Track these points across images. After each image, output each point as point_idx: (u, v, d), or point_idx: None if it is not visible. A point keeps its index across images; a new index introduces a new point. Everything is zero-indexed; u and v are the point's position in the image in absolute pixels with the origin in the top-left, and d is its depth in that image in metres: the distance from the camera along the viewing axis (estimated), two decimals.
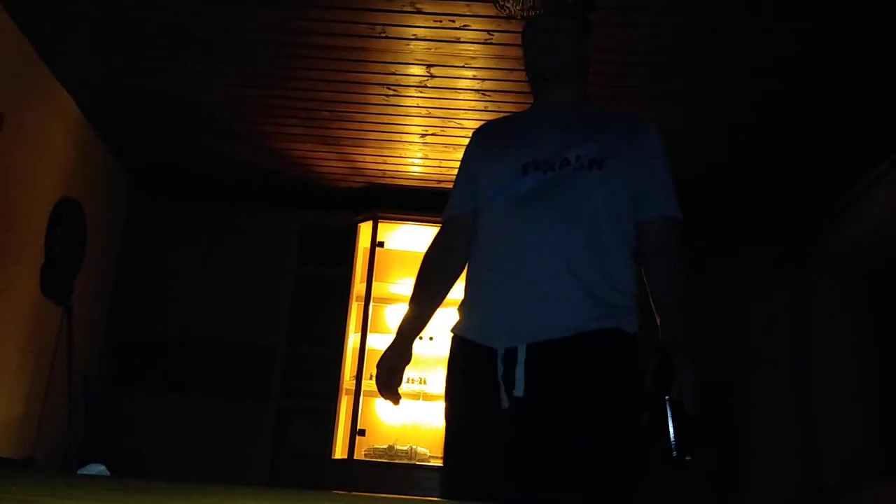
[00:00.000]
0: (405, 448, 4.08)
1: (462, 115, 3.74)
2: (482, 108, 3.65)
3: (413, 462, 4.04)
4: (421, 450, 4.08)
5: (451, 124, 3.84)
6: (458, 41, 3.19)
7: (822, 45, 3.05)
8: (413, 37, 3.18)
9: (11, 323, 3.54)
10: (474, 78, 3.44)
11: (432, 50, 3.25)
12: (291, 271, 4.67)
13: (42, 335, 3.78)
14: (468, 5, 2.96)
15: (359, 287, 4.49)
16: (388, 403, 1.74)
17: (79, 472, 1.04)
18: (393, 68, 3.42)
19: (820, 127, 3.61)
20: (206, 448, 4.25)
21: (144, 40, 3.30)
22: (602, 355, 1.51)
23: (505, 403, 1.50)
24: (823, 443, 4.33)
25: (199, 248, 4.67)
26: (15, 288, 3.54)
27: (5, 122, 3.24)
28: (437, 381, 4.22)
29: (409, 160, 4.23)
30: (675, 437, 1.42)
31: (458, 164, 1.92)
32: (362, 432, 4.17)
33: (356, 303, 4.51)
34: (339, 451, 4.24)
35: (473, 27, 3.09)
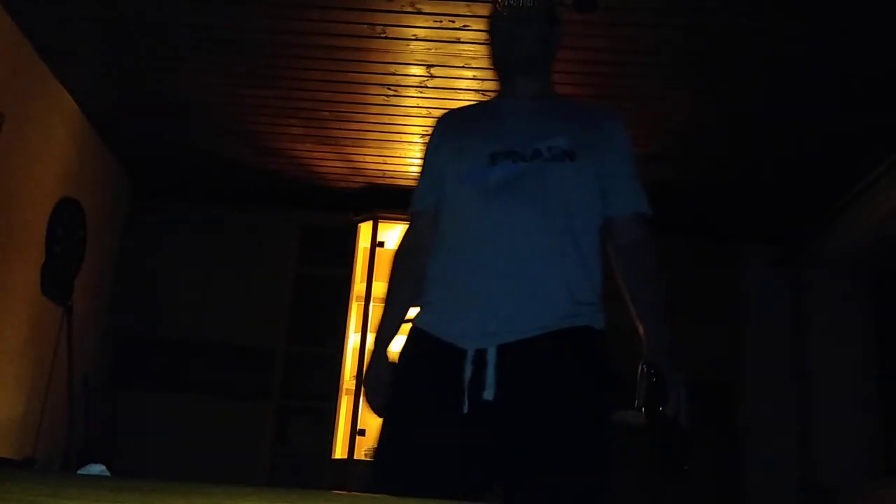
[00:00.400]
0: None
1: None
2: None
3: None
4: None
5: None
6: (458, 41, 3.19)
7: (822, 45, 3.05)
8: (413, 37, 3.18)
9: (11, 323, 3.54)
10: (474, 78, 3.44)
11: (432, 50, 3.25)
12: (291, 271, 4.66)
13: (42, 335, 3.78)
14: (468, 5, 2.96)
15: (359, 287, 4.49)
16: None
17: (79, 472, 1.04)
18: (393, 68, 3.42)
19: (820, 127, 3.61)
20: (206, 448, 4.25)
21: (144, 40, 3.30)
22: (573, 354, 1.47)
23: (465, 408, 1.42)
24: (823, 443, 4.33)
25: (199, 248, 4.66)
26: (15, 288, 3.54)
27: (5, 122, 3.24)
28: None
29: (409, 160, 4.23)
30: (673, 450, 1.42)
31: None
32: (362, 432, 4.17)
33: (356, 303, 4.51)
34: (339, 451, 4.23)
35: (473, 27, 3.09)
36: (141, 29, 3.23)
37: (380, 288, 4.45)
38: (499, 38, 1.75)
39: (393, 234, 4.57)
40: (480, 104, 1.94)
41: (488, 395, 1.42)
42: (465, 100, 3.61)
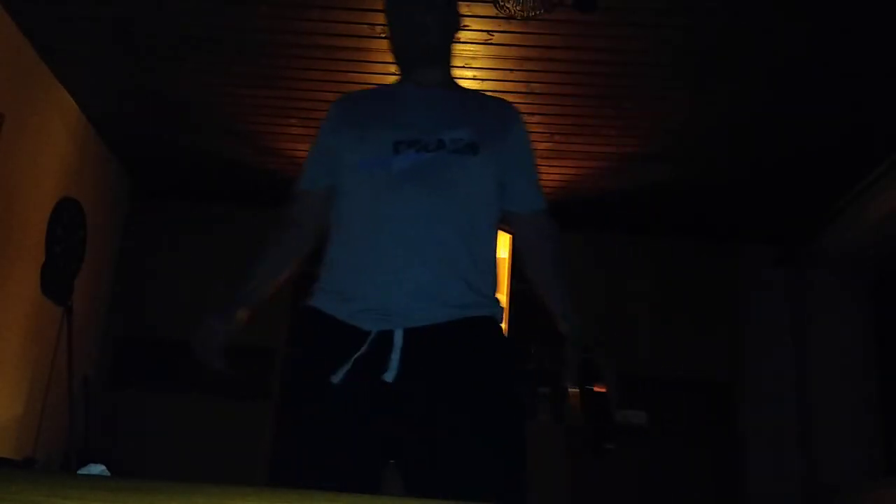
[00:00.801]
0: None
1: None
2: None
3: None
4: None
5: None
6: (457, 41, 3.19)
7: (822, 45, 3.05)
8: None
9: (11, 323, 3.54)
10: (474, 78, 3.44)
11: None
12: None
13: (42, 335, 3.78)
14: (468, 5, 2.96)
15: None
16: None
17: (79, 472, 1.04)
18: (393, 68, 3.38)
19: (820, 127, 3.61)
20: (206, 448, 4.25)
21: (144, 40, 3.30)
22: (478, 343, 1.47)
23: (366, 389, 1.40)
24: (823, 443, 4.33)
25: (199, 248, 4.66)
26: (15, 288, 3.54)
27: (5, 122, 3.24)
28: None
29: None
30: (601, 429, 1.46)
31: None
32: None
33: None
34: None
35: (473, 27, 3.09)
36: (141, 29, 3.23)
37: None
38: (399, 24, 1.69)
39: None
40: (380, 89, 1.87)
41: (389, 376, 1.40)
42: None
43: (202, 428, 4.34)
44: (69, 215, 3.95)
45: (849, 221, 4.14)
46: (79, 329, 4.01)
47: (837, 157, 3.84)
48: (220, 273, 4.65)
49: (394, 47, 1.73)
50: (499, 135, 1.62)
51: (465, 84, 3.46)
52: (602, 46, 3.18)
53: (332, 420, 1.43)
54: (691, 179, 4.20)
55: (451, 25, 1.75)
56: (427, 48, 1.68)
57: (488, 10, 2.95)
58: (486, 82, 3.46)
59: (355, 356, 1.42)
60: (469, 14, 3.01)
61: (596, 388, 1.46)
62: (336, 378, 1.41)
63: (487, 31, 3.11)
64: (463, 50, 3.25)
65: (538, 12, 2.85)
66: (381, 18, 3.06)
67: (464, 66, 3.36)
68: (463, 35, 3.15)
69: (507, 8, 2.86)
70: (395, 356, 1.41)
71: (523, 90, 3.51)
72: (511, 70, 3.35)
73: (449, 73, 1.75)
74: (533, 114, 3.69)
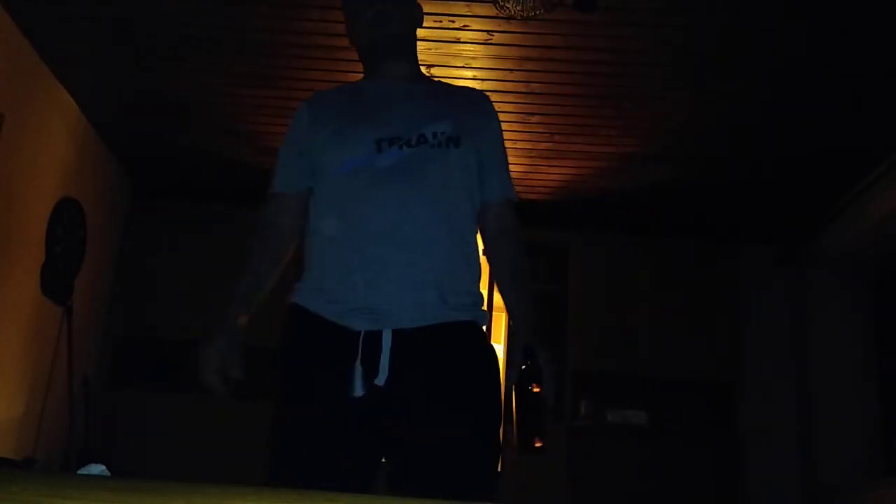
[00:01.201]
0: None
1: None
2: None
3: None
4: None
5: None
6: (458, 41, 3.19)
7: (822, 45, 3.05)
8: None
9: (11, 323, 3.54)
10: (474, 78, 3.44)
11: (432, 50, 3.25)
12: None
13: (42, 335, 3.78)
14: (468, 5, 2.96)
15: None
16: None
17: (79, 472, 1.03)
18: None
19: (820, 127, 3.61)
20: (206, 448, 4.25)
21: (144, 40, 3.30)
22: (465, 347, 1.48)
23: (359, 391, 1.40)
24: (823, 443, 4.33)
25: (199, 248, 4.66)
26: (15, 288, 3.54)
27: (5, 122, 3.24)
28: None
29: None
30: (532, 427, 1.49)
31: None
32: None
33: None
34: None
35: (473, 27, 3.09)
36: (141, 29, 3.23)
37: None
38: (362, 18, 1.67)
39: None
40: (351, 85, 1.85)
41: (380, 380, 1.41)
42: None
43: (202, 428, 4.33)
44: (69, 215, 3.95)
45: (849, 221, 4.14)
46: (79, 329, 4.01)
47: (837, 157, 3.84)
48: (220, 273, 4.63)
49: (358, 43, 1.72)
50: (477, 125, 1.63)
51: (464, 84, 3.49)
52: (602, 46, 3.18)
53: (330, 421, 1.43)
54: (691, 179, 4.20)
55: (415, 18, 1.76)
56: (394, 38, 1.67)
57: (488, 10, 2.95)
58: (486, 82, 3.46)
59: (356, 362, 1.41)
60: (469, 14, 3.01)
61: (534, 389, 1.49)
62: (356, 391, 1.40)
63: (487, 31, 3.11)
64: (463, 50, 3.25)
65: (538, 12, 2.85)
66: None
67: (464, 66, 3.36)
68: (463, 35, 3.15)
69: (507, 8, 2.86)
70: (385, 359, 1.41)
71: (523, 90, 3.51)
72: (511, 70, 3.35)
73: (417, 66, 1.75)
74: (533, 114, 3.69)
